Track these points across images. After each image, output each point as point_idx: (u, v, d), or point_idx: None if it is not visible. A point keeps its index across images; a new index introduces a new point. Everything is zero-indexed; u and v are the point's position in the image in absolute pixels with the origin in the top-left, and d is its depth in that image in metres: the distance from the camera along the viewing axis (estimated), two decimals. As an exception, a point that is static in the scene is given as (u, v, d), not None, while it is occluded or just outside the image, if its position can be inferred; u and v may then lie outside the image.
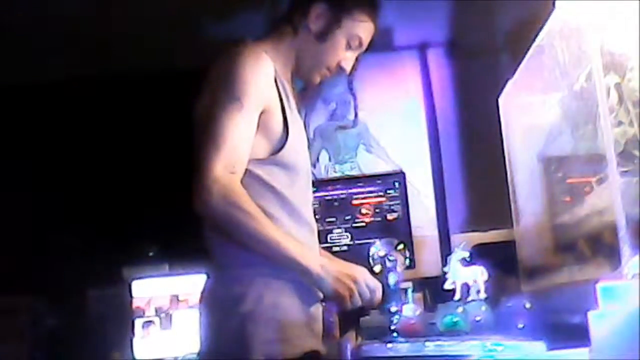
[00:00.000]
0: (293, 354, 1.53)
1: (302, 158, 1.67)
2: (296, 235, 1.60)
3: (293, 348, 1.54)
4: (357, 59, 1.78)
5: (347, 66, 1.76)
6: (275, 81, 1.62)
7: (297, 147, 1.64)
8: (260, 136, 1.59)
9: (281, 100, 1.62)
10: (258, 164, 1.58)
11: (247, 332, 1.50)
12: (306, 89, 1.79)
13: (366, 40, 1.75)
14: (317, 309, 1.64)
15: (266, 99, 1.59)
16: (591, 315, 1.15)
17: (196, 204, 1.50)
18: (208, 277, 1.64)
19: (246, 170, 1.56)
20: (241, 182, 1.53)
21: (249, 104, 1.55)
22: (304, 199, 1.67)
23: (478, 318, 1.59)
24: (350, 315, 1.70)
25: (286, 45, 1.71)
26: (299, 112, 1.70)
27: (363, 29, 1.73)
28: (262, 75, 1.58)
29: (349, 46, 1.73)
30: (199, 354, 1.62)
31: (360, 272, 1.59)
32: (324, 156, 3.57)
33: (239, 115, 1.53)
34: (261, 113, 1.58)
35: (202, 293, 1.65)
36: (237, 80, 1.56)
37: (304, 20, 1.70)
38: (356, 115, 3.59)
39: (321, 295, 1.63)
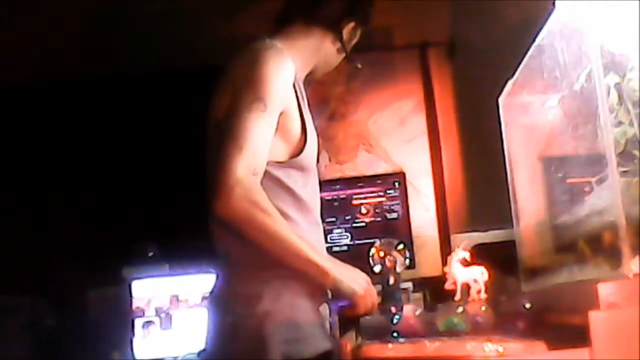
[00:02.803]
0: (309, 353, 1.53)
1: (314, 159, 1.68)
2: (310, 236, 1.60)
3: (309, 348, 1.54)
4: None
5: None
6: (293, 83, 1.63)
7: (313, 149, 1.65)
8: (278, 138, 1.58)
9: (298, 101, 1.63)
10: (277, 166, 1.58)
11: (264, 331, 1.50)
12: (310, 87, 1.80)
13: None
14: (325, 309, 1.65)
15: (286, 100, 1.59)
16: (591, 315, 1.15)
17: (217, 205, 1.48)
18: (218, 276, 1.64)
19: (265, 171, 1.55)
20: (260, 183, 1.53)
21: (272, 105, 1.54)
22: (315, 198, 1.68)
23: (478, 318, 1.59)
24: (350, 316, 1.70)
25: (309, 49, 1.72)
26: (311, 111, 1.71)
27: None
28: (284, 76, 1.58)
29: None
30: (199, 353, 1.62)
31: (368, 279, 1.61)
32: (324, 156, 3.57)
33: (261, 117, 1.53)
34: (280, 114, 1.58)
35: (211, 292, 1.65)
36: (260, 81, 1.55)
37: (336, 33, 1.73)
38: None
39: (329, 295, 1.63)
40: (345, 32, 1.74)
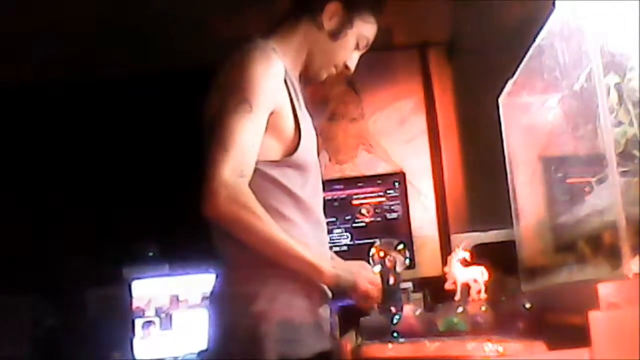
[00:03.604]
0: (305, 354, 1.53)
1: (312, 156, 1.67)
2: (311, 235, 1.60)
3: (305, 348, 1.54)
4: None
5: (352, 66, 1.78)
6: (285, 81, 1.62)
7: (308, 147, 1.64)
8: (271, 137, 1.58)
9: (291, 100, 1.62)
10: (271, 165, 1.58)
11: (260, 331, 1.50)
12: (310, 86, 1.79)
13: (371, 41, 1.78)
14: (326, 309, 1.65)
15: (276, 100, 1.58)
16: (591, 315, 1.15)
17: (204, 207, 1.49)
18: (217, 276, 1.64)
19: (260, 171, 1.55)
20: (255, 183, 1.53)
21: (258, 106, 1.54)
22: (315, 196, 1.67)
23: (478, 318, 1.59)
24: (351, 315, 1.70)
25: (297, 42, 1.71)
26: (308, 109, 1.70)
27: (371, 30, 1.75)
28: (271, 77, 1.58)
29: (357, 46, 1.75)
30: (199, 353, 1.62)
31: (366, 269, 1.60)
32: (324, 156, 3.57)
33: (247, 118, 1.52)
34: (271, 114, 1.57)
35: (211, 292, 1.65)
36: (246, 82, 1.55)
37: (318, 18, 1.70)
38: (362, 109, 3.60)
39: (330, 295, 1.63)
40: (328, 14, 1.69)
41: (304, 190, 1.62)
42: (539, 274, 1.81)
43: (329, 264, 1.57)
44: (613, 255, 1.25)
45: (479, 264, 1.73)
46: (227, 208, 1.48)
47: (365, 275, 1.57)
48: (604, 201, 1.32)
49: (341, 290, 1.59)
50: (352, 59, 1.77)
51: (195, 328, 3.01)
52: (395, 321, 1.48)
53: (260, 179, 1.55)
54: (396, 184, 3.34)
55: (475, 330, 1.56)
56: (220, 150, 1.50)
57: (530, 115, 1.90)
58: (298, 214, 1.60)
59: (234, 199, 1.48)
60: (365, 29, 1.74)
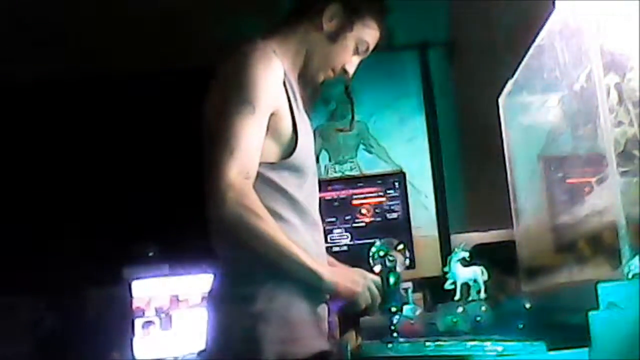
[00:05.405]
0: (303, 353, 1.54)
1: (310, 158, 1.67)
2: (307, 237, 1.61)
3: (303, 348, 1.54)
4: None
5: (351, 70, 1.78)
6: (284, 83, 1.62)
7: (306, 149, 1.64)
8: (270, 139, 1.58)
9: (289, 102, 1.62)
10: (269, 167, 1.58)
11: (258, 331, 1.50)
12: (308, 88, 1.78)
13: (371, 47, 1.77)
14: (323, 309, 1.65)
15: (276, 101, 1.59)
16: (591, 315, 1.15)
17: (210, 208, 1.49)
18: (215, 276, 1.64)
19: (257, 173, 1.55)
20: (252, 185, 1.53)
21: (260, 108, 1.54)
22: (312, 198, 1.68)
23: (478, 318, 1.59)
24: (350, 316, 1.70)
25: (296, 43, 1.71)
26: (306, 111, 1.70)
27: (371, 35, 1.75)
28: (272, 78, 1.58)
29: (356, 51, 1.75)
30: (199, 353, 1.62)
31: (367, 275, 1.60)
32: (324, 156, 3.57)
33: (251, 119, 1.53)
34: (271, 115, 1.58)
35: (209, 292, 1.65)
36: (249, 83, 1.55)
37: (317, 20, 1.70)
38: (353, 118, 3.60)
39: (327, 295, 1.63)
40: (328, 16, 1.69)
41: (300, 192, 1.62)
42: (539, 274, 1.81)
43: (329, 271, 1.58)
44: (613, 255, 1.25)
45: (479, 264, 1.73)
46: (234, 210, 1.48)
47: (361, 282, 1.57)
48: (604, 201, 1.32)
49: (339, 297, 1.60)
50: (351, 63, 1.76)
51: (195, 328, 3.01)
52: (395, 321, 1.48)
53: (258, 181, 1.55)
54: (396, 184, 3.33)
55: (475, 330, 1.56)
56: (226, 152, 1.50)
57: (530, 115, 1.90)
58: (294, 216, 1.60)
59: (240, 201, 1.48)
60: (365, 34, 1.73)
